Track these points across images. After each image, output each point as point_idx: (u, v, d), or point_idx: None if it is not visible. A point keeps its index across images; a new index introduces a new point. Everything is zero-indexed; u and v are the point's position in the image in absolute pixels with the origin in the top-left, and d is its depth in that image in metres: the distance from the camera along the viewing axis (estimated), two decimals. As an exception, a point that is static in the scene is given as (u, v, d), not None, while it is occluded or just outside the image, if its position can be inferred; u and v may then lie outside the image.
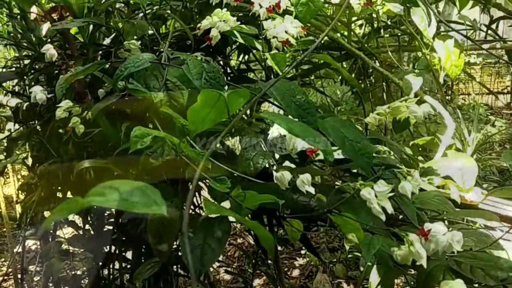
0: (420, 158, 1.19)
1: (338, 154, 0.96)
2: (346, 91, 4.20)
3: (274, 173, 0.56)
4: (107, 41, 1.48)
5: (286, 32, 0.85)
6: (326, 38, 1.51)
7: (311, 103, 0.69)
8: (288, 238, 1.48)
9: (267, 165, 0.91)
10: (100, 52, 1.41)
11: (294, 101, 0.67)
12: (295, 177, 0.79)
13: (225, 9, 0.92)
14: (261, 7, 0.85)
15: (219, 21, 0.87)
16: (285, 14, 0.88)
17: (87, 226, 1.78)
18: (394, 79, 1.17)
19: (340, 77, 2.16)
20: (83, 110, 0.89)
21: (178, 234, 1.17)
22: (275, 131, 0.73)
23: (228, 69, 1.37)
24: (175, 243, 1.22)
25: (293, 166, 0.91)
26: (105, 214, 1.65)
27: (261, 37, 0.97)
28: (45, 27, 1.60)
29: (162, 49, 1.34)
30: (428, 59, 1.12)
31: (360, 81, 1.44)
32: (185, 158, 0.57)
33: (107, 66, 1.04)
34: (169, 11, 1.14)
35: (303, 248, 2.96)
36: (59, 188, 1.71)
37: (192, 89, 0.78)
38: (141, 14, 1.24)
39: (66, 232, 2.24)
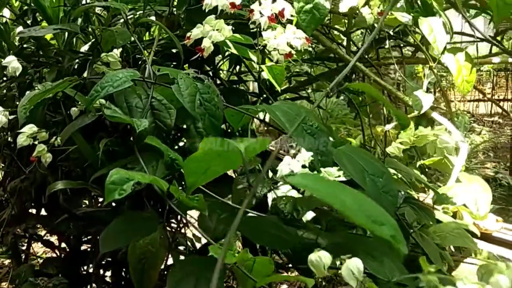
0: (423, 176, 1.11)
1: (340, 176, 0.87)
2: (333, 100, 4.13)
3: (309, 257, 0.45)
4: (84, 47, 1.36)
5: (288, 44, 0.75)
6: (321, 47, 1.42)
7: (324, 130, 0.59)
8: (282, 263, 1.38)
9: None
10: (77, 60, 1.28)
11: (305, 129, 0.57)
12: (301, 210, 0.69)
13: (213, 15, 0.82)
14: (262, 15, 0.75)
15: (212, 30, 0.77)
16: (286, 23, 0.78)
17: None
18: (398, 93, 1.08)
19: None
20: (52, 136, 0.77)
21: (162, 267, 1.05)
22: (285, 167, 0.62)
23: (217, 80, 1.27)
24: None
25: (294, 193, 0.81)
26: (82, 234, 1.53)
27: (257, 47, 0.87)
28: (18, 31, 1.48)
29: (145, 58, 1.22)
30: (435, 73, 1.04)
31: (357, 94, 1.35)
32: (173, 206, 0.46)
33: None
34: (153, 18, 1.03)
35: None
36: (32, 204, 1.58)
37: (181, 109, 0.67)
38: (121, 20, 1.12)
39: (41, 246, 2.10)
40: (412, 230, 0.69)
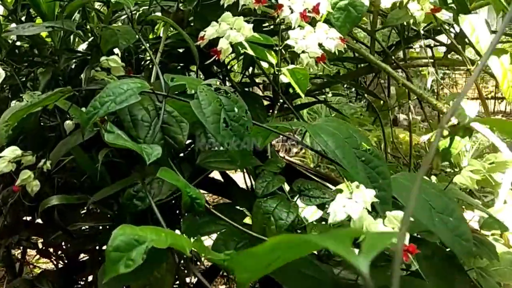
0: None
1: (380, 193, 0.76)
2: (337, 98, 4.02)
3: None
4: (83, 46, 1.25)
5: (320, 45, 0.64)
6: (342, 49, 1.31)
7: (380, 156, 0.48)
8: None
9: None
10: (75, 60, 1.17)
11: (357, 156, 0.46)
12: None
13: (229, 12, 0.71)
14: (292, 11, 0.64)
15: (229, 29, 0.65)
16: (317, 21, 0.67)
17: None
18: (429, 99, 0.97)
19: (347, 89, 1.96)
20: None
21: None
22: (339, 210, 0.49)
23: (227, 82, 1.16)
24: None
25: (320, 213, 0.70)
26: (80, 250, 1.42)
27: (278, 48, 0.76)
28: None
29: (149, 57, 1.11)
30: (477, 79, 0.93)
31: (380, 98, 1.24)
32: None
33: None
34: (159, 13, 0.91)
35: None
36: (26, 214, 1.48)
37: (195, 123, 0.56)
38: (123, 16, 1.01)
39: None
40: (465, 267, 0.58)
